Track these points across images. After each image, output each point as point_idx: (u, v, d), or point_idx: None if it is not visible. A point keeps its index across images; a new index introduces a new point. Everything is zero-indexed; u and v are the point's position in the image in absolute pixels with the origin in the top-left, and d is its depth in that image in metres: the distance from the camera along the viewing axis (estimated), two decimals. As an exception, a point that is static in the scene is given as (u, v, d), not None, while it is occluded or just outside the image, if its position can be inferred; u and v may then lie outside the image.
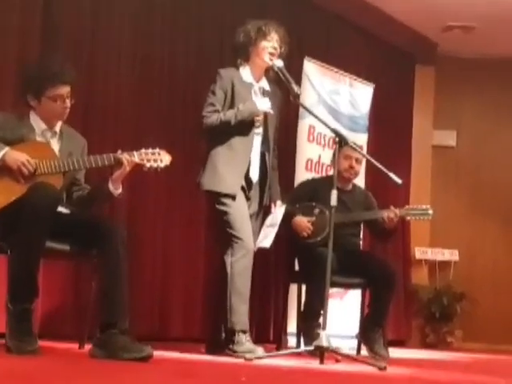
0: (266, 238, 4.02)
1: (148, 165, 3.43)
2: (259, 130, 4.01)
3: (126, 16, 5.10)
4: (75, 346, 3.62)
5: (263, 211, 4.13)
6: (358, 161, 4.75)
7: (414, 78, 7.66)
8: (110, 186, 3.43)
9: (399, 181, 3.74)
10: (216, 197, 3.92)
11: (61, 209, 3.38)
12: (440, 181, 7.71)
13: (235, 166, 3.93)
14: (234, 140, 3.94)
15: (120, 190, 3.48)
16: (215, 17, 5.65)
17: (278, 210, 4.10)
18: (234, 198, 3.89)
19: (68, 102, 3.41)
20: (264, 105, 3.94)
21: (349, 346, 4.88)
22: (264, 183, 4.09)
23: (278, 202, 4.15)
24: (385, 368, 3.34)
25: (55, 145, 3.47)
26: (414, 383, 2.71)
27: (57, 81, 3.35)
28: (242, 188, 3.97)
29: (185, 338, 5.04)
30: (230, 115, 3.88)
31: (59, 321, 4.50)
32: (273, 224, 4.04)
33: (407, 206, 4.82)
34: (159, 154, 3.46)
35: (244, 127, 3.92)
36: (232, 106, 3.95)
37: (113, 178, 3.42)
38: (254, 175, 4.02)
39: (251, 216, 4.02)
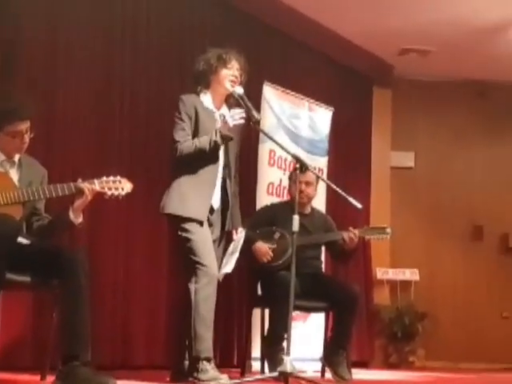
0: (227, 265, 4.02)
1: (109, 193, 3.42)
2: (221, 157, 4.03)
3: (84, 44, 5.09)
4: (37, 377, 3.57)
5: (225, 238, 4.13)
6: (308, 184, 4.77)
7: (372, 100, 7.76)
8: (71, 215, 3.41)
9: (359, 206, 3.78)
10: (179, 223, 3.89)
11: (21, 239, 3.35)
12: (399, 201, 7.81)
13: (202, 192, 3.92)
14: (201, 167, 3.94)
15: (81, 219, 3.45)
16: (175, 44, 5.67)
17: (239, 236, 4.11)
18: (201, 223, 3.89)
19: (27, 138, 3.40)
20: (236, 117, 3.92)
21: (313, 368, 4.90)
22: (226, 209, 4.09)
23: (239, 229, 4.16)
24: (348, 391, 3.36)
25: (14, 175, 3.44)
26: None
27: (15, 118, 3.34)
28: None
29: (148, 366, 5.01)
30: (204, 142, 3.87)
31: (20, 352, 4.44)
32: (234, 250, 4.05)
33: (366, 227, 4.88)
34: (120, 181, 3.46)
35: (214, 155, 3.93)
36: (196, 131, 3.96)
37: (74, 207, 3.40)
38: (216, 201, 4.03)
39: (214, 241, 4.02)
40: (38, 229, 3.51)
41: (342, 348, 4.57)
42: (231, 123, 3.85)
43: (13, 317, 4.34)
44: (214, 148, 3.86)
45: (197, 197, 3.90)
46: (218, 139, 3.83)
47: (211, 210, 4.00)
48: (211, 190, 3.96)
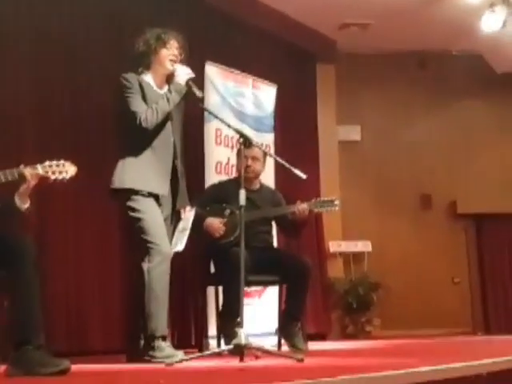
0: (178, 243, 4.04)
1: (53, 177, 3.39)
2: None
3: (24, 27, 5.04)
4: (-10, 367, 3.54)
5: (175, 217, 4.15)
6: (254, 159, 4.81)
7: (316, 76, 7.83)
8: (17, 201, 3.38)
9: (303, 175, 3.82)
10: (131, 200, 3.88)
11: (-36, 229, 3.31)
12: (348, 175, 7.91)
13: (155, 171, 3.92)
14: (156, 145, 3.94)
15: (27, 205, 3.42)
16: (113, 23, 5.63)
17: (188, 215, 4.13)
18: (157, 199, 3.89)
19: None
20: (184, 73, 3.95)
21: (271, 343, 4.94)
22: (175, 188, 4.11)
23: (188, 208, 4.17)
24: (302, 360, 3.40)
25: (-46, 163, 3.39)
26: (329, 370, 2.78)
27: None
28: (155, 195, 3.98)
29: (105, 351, 4.98)
30: (163, 104, 3.88)
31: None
32: (184, 228, 4.06)
33: (314, 200, 4.90)
34: (64, 165, 3.42)
35: (165, 131, 3.94)
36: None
37: (19, 193, 3.37)
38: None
39: (165, 220, 4.04)
40: (-16, 217, 3.48)
41: (295, 319, 4.62)
42: (183, 79, 3.89)
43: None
44: (173, 105, 3.90)
45: (157, 172, 3.90)
46: (174, 95, 3.89)
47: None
48: (168, 168, 3.97)
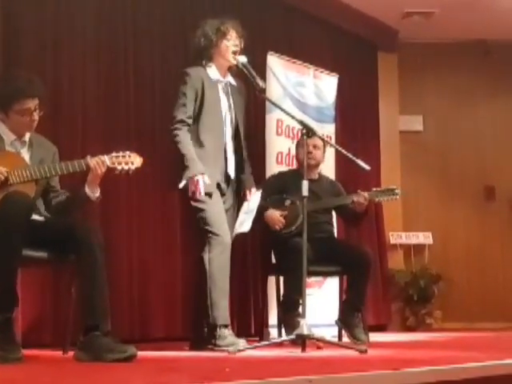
0: (243, 224, 4.08)
1: (119, 168, 3.46)
2: (229, 127, 4.08)
3: (88, 21, 5.11)
4: (58, 352, 3.64)
5: (238, 203, 4.19)
6: (316, 147, 4.81)
7: (378, 65, 7.75)
8: (87, 190, 3.46)
9: (367, 167, 3.81)
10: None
11: (35, 216, 3.40)
12: (409, 165, 7.81)
13: (209, 164, 3.98)
14: (205, 139, 4.00)
15: (98, 194, 3.50)
16: (176, 15, 5.68)
17: (254, 196, 4.16)
18: (210, 195, 3.94)
19: (36, 115, 3.42)
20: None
21: (331, 333, 4.94)
22: (239, 177, 4.17)
23: (253, 189, 4.22)
24: (365, 351, 3.40)
25: (25, 154, 3.48)
26: (393, 363, 2.77)
27: (23, 95, 3.36)
28: (218, 184, 4.03)
29: (167, 338, 5.06)
30: (188, 156, 3.92)
31: (40, 329, 4.50)
32: (249, 210, 4.10)
33: (375, 189, 4.88)
34: (129, 156, 3.50)
35: (215, 129, 3.97)
36: (202, 104, 4.01)
37: (88, 182, 3.45)
38: (231, 171, 4.10)
39: (227, 210, 4.08)
40: (56, 205, 3.56)
41: (356, 310, 4.61)
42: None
43: (32, 293, 4.41)
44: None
45: (205, 170, 3.95)
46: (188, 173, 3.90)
47: (228, 180, 4.07)
48: (219, 162, 4.02)
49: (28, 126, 3.44)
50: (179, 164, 3.92)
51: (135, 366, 2.85)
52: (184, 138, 3.95)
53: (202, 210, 3.94)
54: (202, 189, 3.85)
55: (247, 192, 4.19)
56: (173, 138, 3.97)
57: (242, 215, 4.11)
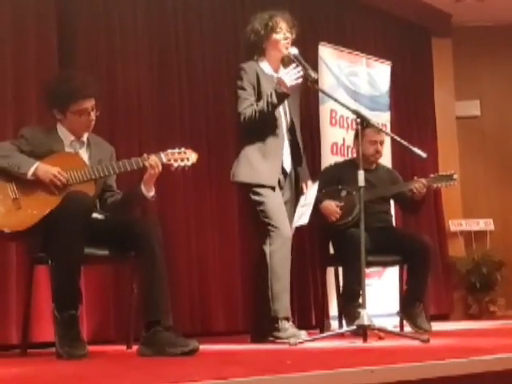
0: (302, 217, 4.07)
1: (176, 164, 3.50)
2: (284, 121, 4.08)
3: (140, 20, 5.16)
4: (122, 348, 3.71)
5: (295, 197, 4.19)
6: (382, 143, 4.81)
7: (432, 51, 7.63)
8: (143, 189, 3.50)
9: (423, 154, 3.76)
10: (251, 187, 3.98)
11: (96, 215, 3.46)
12: (467, 151, 7.68)
13: (269, 158, 3.99)
14: (266, 134, 4.01)
15: (153, 193, 3.54)
16: (227, 10, 5.70)
17: (311, 189, 4.16)
18: (273, 188, 3.96)
19: (93, 115, 3.47)
20: (290, 79, 3.93)
21: (392, 324, 4.91)
22: (296, 170, 4.17)
23: (309, 182, 4.22)
24: (428, 340, 3.36)
25: (84, 154, 3.54)
26: (457, 352, 2.74)
27: (79, 96, 3.41)
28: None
29: (228, 332, 5.09)
30: (262, 105, 3.93)
31: (104, 325, 4.58)
32: (307, 203, 4.09)
33: (431, 175, 4.82)
34: (185, 152, 3.53)
35: (274, 122, 3.98)
36: (259, 98, 4.02)
37: (144, 181, 3.49)
38: (288, 165, 4.10)
39: (285, 203, 4.09)
40: (111, 204, 3.62)
41: (418, 300, 4.57)
42: (288, 83, 3.88)
43: (95, 291, 4.50)
44: (273, 108, 3.91)
45: (266, 164, 3.97)
46: (274, 99, 3.88)
47: (284, 174, 4.08)
48: (278, 155, 4.02)
49: (86, 127, 3.50)
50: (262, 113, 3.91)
51: (197, 360, 2.87)
52: (248, 110, 3.95)
53: (261, 203, 3.95)
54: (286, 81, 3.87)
55: (303, 185, 4.18)
56: (243, 123, 3.96)
57: (299, 209, 4.10)
